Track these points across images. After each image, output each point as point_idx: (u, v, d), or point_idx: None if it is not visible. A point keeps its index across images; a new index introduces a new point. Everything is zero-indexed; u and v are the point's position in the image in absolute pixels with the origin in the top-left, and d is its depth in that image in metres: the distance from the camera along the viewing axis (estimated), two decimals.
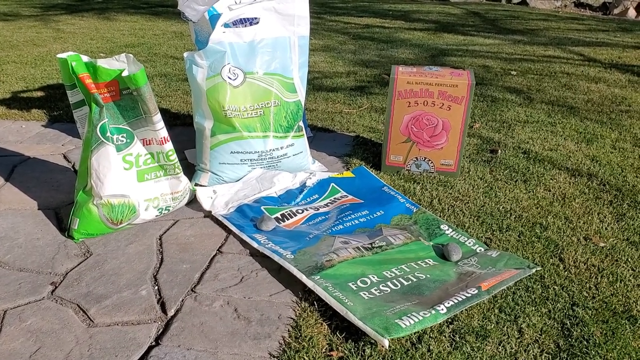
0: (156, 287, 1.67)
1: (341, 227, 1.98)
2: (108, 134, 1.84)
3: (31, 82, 3.74)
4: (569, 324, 1.55)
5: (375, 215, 2.05)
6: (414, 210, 2.08)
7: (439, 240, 1.91)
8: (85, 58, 1.81)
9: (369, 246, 1.83)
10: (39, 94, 3.51)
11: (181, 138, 2.73)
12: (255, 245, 1.85)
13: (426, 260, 1.79)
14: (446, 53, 4.90)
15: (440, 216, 2.09)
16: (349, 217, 2.04)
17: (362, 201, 2.16)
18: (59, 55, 1.81)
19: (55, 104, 3.30)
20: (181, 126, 2.97)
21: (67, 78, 1.85)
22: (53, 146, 2.69)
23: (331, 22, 6.42)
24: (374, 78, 4.03)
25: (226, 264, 1.79)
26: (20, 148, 2.65)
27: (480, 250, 1.87)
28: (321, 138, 2.86)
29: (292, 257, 1.76)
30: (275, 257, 1.76)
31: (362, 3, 8.07)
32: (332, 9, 7.46)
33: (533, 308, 1.61)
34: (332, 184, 2.30)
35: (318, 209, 2.13)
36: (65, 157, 2.58)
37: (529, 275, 1.73)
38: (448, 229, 1.97)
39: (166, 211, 2.04)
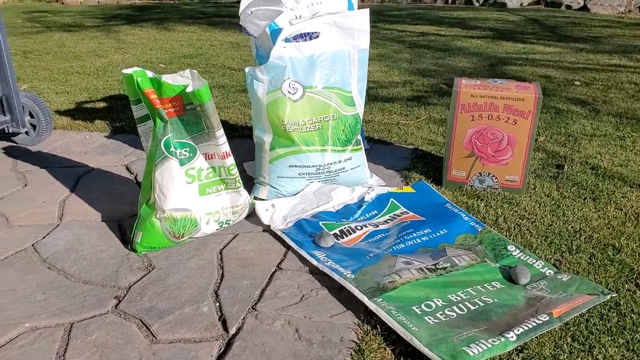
0: (217, 304, 1.67)
1: (402, 246, 1.93)
2: (172, 148, 1.86)
3: (94, 93, 3.85)
4: None
5: (438, 234, 1.99)
6: (479, 230, 2.01)
7: (506, 262, 1.84)
8: (150, 73, 1.84)
9: (433, 267, 1.77)
10: (102, 104, 3.61)
11: (239, 150, 2.75)
12: (314, 262, 1.82)
13: (493, 283, 1.72)
14: (506, 62, 4.77)
15: (506, 235, 2.01)
16: (411, 236, 1.98)
17: (424, 218, 2.11)
18: (125, 71, 1.83)
19: (117, 115, 3.38)
20: (239, 138, 2.98)
21: (132, 93, 1.88)
22: (115, 157, 2.75)
23: (385, 31, 6.38)
24: (431, 88, 3.96)
25: (286, 281, 1.77)
26: (84, 159, 2.73)
27: (549, 273, 1.78)
28: (378, 150, 2.81)
29: (353, 276, 1.72)
30: (336, 276, 1.72)
31: (417, 10, 7.99)
32: (387, 17, 7.41)
33: (609, 338, 1.52)
34: (392, 199, 2.25)
35: (378, 226, 2.08)
36: (127, 168, 2.63)
37: (603, 302, 1.64)
38: (515, 250, 1.89)
39: (226, 225, 2.05)
